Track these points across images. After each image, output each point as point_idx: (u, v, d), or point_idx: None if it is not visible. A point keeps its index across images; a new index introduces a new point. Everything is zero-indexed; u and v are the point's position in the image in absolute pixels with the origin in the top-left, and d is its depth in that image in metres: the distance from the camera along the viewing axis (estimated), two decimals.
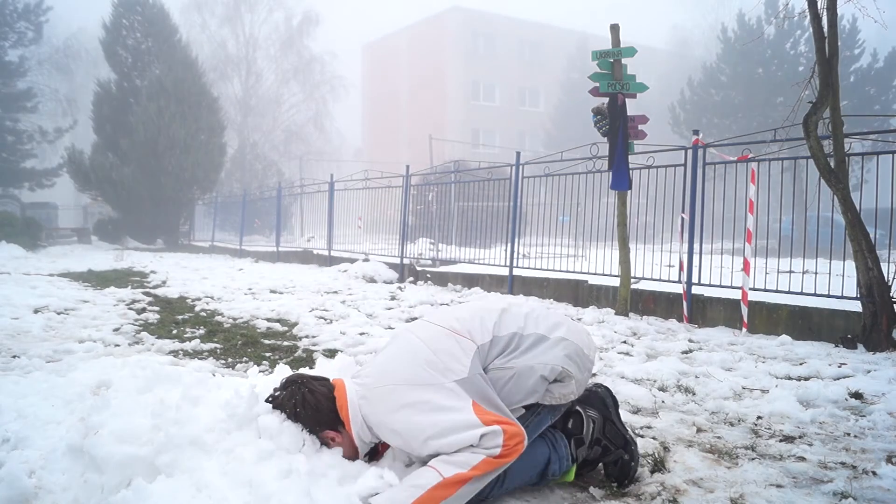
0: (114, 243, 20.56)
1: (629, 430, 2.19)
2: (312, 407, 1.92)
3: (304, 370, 2.25)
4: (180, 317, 5.63)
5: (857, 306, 4.70)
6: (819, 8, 4.68)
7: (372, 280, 9.66)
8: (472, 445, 1.75)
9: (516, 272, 8.08)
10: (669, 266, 7.09)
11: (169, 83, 20.45)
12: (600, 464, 2.14)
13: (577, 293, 7.10)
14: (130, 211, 20.91)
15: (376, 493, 1.79)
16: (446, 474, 1.72)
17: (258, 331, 5.01)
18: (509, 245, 8.23)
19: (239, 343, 4.47)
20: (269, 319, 5.51)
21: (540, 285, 7.66)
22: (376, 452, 2.04)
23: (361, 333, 4.83)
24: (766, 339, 4.97)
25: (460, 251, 10.85)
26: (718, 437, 2.63)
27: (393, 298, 7.31)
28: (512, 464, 1.83)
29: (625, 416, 2.87)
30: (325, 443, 1.94)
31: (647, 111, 7.15)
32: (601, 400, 2.16)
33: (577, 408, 2.11)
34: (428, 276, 9.39)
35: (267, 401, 1.96)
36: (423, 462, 1.82)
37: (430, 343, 1.94)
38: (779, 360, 4.19)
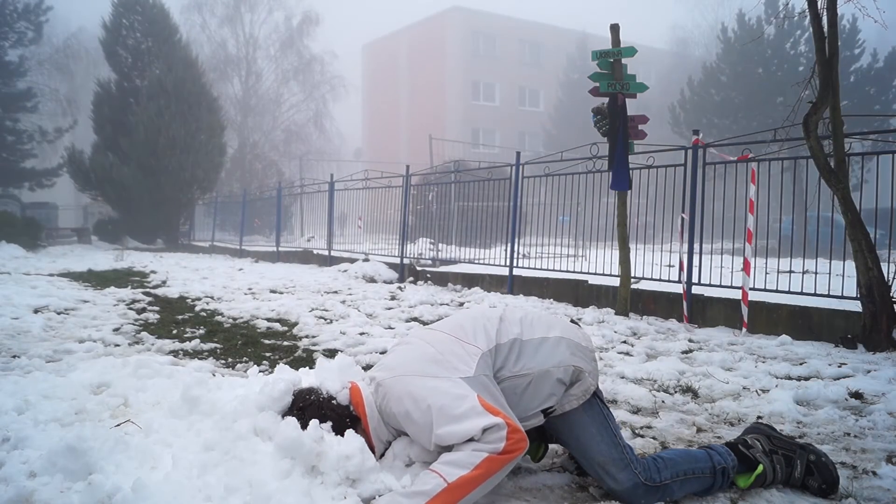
0: (114, 243, 20.53)
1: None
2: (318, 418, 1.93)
3: (304, 370, 2.25)
4: (180, 317, 5.63)
5: (857, 306, 4.69)
6: (819, 8, 4.67)
7: (372, 280, 9.66)
8: (474, 440, 1.75)
9: (516, 272, 8.08)
10: (669, 266, 7.09)
11: (169, 83, 20.43)
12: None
13: (577, 293, 7.10)
14: (130, 211, 20.89)
15: (378, 495, 1.79)
16: (451, 479, 1.71)
17: (258, 331, 5.01)
18: (509, 245, 8.23)
19: (239, 343, 4.47)
20: (269, 319, 5.51)
21: (540, 285, 7.66)
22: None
23: (361, 333, 4.83)
24: (766, 339, 4.97)
25: (460, 251, 10.84)
26: (718, 438, 2.62)
27: (393, 298, 7.31)
28: (671, 454, 1.98)
29: (625, 416, 2.87)
30: None
31: (647, 111, 7.15)
32: (755, 428, 2.23)
33: (731, 441, 2.18)
34: (428, 275, 9.39)
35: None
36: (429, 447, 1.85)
37: (436, 345, 2.00)
38: (779, 360, 4.19)
